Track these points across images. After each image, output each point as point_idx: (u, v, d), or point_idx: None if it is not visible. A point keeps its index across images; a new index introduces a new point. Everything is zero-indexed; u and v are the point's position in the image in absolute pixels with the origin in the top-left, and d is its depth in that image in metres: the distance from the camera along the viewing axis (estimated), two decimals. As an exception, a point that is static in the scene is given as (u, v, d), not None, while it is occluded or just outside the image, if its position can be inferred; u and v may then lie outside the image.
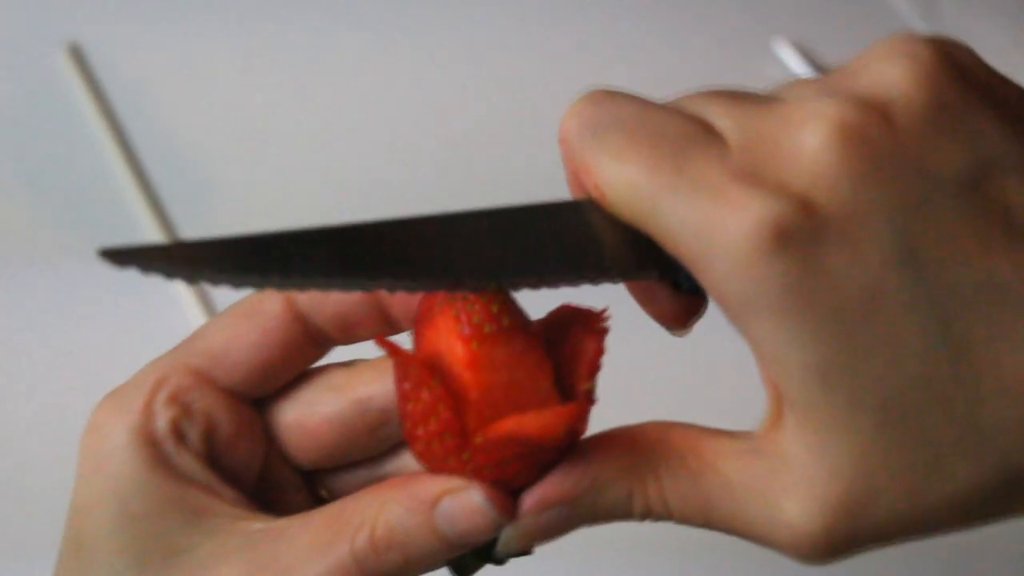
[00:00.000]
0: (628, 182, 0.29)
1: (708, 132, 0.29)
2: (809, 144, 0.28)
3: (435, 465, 0.31)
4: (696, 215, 0.28)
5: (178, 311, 0.65)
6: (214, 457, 0.34)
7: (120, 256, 0.28)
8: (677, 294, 0.31)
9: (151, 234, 0.67)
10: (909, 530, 0.30)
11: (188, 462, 0.33)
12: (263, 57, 0.75)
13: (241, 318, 0.34)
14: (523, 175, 0.71)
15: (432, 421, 0.30)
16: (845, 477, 0.29)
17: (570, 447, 0.31)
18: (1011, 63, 0.37)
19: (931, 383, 0.28)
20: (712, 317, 0.31)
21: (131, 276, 0.65)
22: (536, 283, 0.31)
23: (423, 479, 0.31)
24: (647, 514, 0.31)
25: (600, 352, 0.31)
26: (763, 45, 0.78)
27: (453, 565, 0.34)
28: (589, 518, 0.31)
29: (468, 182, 0.72)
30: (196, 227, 0.68)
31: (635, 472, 0.31)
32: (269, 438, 0.35)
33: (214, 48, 0.75)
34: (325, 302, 0.34)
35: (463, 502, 0.31)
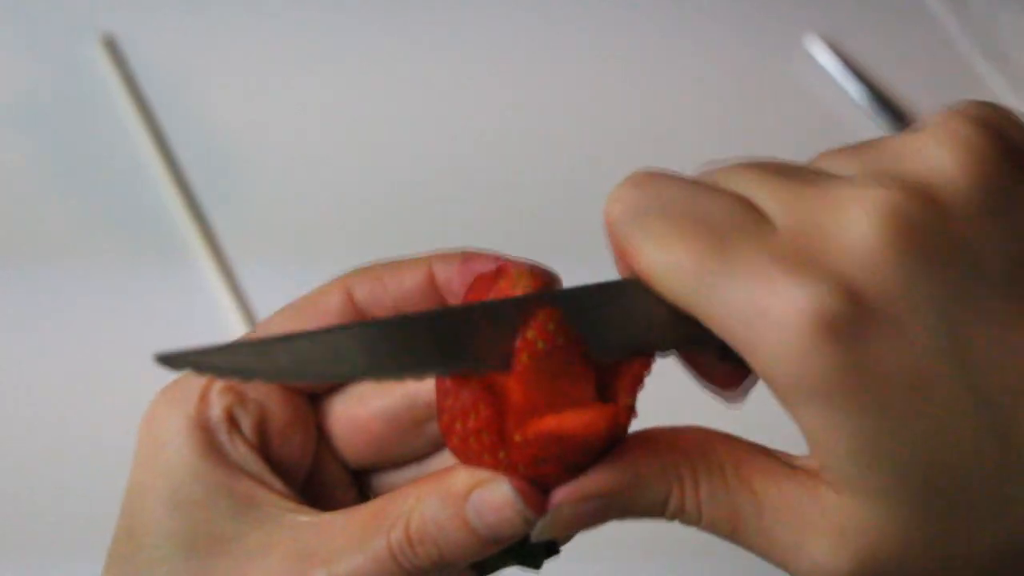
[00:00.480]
0: (672, 267, 0.29)
1: (752, 214, 0.29)
2: (856, 230, 0.28)
3: (470, 461, 0.31)
4: (742, 302, 0.28)
5: (216, 313, 0.65)
6: (266, 448, 0.34)
7: (174, 361, 0.30)
8: (725, 361, 0.31)
9: (184, 224, 0.68)
10: None
11: (241, 451, 0.34)
12: (296, 48, 0.76)
13: (299, 313, 0.34)
14: (547, 172, 0.72)
15: (471, 418, 0.30)
16: (877, 537, 0.29)
17: (605, 452, 0.31)
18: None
19: (974, 466, 0.28)
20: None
21: (164, 273, 0.65)
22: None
23: (456, 472, 0.31)
24: (678, 515, 0.31)
25: (645, 367, 0.31)
26: (793, 40, 0.78)
27: (475, 564, 0.33)
28: (623, 513, 0.31)
29: (495, 170, 0.72)
30: (229, 217, 0.68)
31: (676, 472, 0.31)
32: (321, 434, 0.36)
33: (247, 39, 0.76)
34: (384, 297, 0.34)
35: (493, 495, 0.31)
